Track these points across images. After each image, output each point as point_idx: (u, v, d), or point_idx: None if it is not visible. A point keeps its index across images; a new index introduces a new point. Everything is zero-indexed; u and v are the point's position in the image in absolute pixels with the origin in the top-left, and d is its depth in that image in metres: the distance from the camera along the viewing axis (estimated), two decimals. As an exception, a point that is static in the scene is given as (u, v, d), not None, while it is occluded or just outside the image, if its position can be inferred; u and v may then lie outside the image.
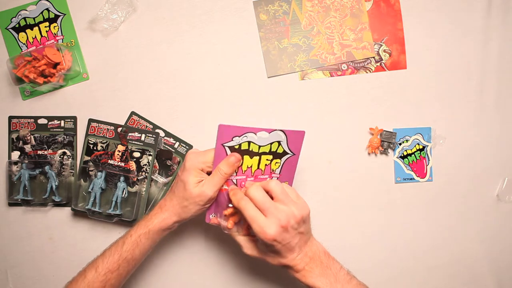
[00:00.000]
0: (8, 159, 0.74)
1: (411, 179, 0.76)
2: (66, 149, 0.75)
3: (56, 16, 0.75)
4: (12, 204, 0.75)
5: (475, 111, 0.77)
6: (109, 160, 0.73)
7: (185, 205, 0.60)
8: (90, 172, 0.73)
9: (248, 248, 0.60)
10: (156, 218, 0.62)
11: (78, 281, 0.59)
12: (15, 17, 0.75)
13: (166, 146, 0.75)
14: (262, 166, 0.61)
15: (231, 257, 0.75)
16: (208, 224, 0.64)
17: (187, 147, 0.75)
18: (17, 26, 0.75)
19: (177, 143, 0.75)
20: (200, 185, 0.59)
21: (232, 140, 0.58)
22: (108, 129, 0.74)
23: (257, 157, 0.61)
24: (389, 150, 0.76)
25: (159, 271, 0.75)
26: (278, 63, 0.75)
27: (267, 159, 0.61)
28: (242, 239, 0.61)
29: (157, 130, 0.74)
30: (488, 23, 0.76)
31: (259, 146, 0.59)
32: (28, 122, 0.74)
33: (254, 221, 0.54)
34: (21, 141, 0.74)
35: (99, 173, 0.72)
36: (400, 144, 0.76)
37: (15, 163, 0.74)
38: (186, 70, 0.75)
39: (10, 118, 0.75)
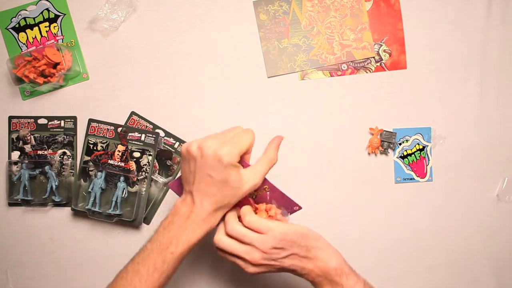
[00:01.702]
0: (8, 159, 0.74)
1: (411, 179, 0.76)
2: (66, 149, 0.75)
3: (56, 16, 0.75)
4: (12, 204, 0.75)
5: (475, 111, 0.77)
6: (109, 160, 0.73)
7: (233, 202, 0.56)
8: (90, 172, 0.73)
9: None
10: (200, 231, 0.56)
11: None
12: (15, 17, 0.75)
13: (166, 146, 0.75)
14: None
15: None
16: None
17: (187, 147, 0.75)
18: (17, 26, 0.75)
19: (177, 143, 0.75)
20: (249, 177, 0.55)
21: None
22: (108, 129, 0.74)
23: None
24: (389, 150, 0.76)
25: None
26: (278, 63, 0.75)
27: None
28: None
29: (157, 130, 0.74)
30: (488, 23, 0.76)
31: None
32: (28, 122, 0.74)
33: (234, 262, 0.56)
34: (21, 141, 0.75)
35: (99, 173, 0.72)
36: (400, 144, 0.76)
37: (15, 163, 0.74)
38: (186, 70, 0.75)
39: (10, 118, 0.75)
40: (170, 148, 0.75)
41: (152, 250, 0.56)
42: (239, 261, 0.55)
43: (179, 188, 0.61)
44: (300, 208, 0.61)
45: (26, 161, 0.73)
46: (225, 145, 0.54)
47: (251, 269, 0.55)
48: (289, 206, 0.61)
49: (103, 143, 0.74)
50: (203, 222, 0.55)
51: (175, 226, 0.56)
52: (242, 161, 0.56)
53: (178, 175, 0.64)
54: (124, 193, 0.72)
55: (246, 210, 0.57)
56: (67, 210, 0.75)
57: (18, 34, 0.75)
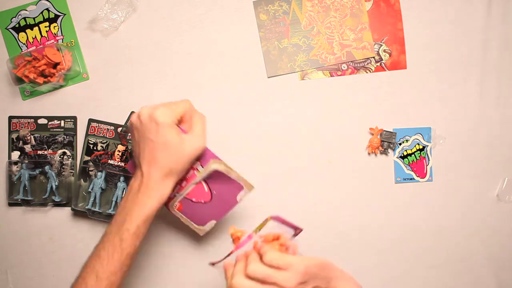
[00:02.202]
0: (8, 159, 0.74)
1: (411, 179, 0.76)
2: (66, 149, 0.75)
3: (56, 16, 0.75)
4: (12, 204, 0.75)
5: (475, 111, 0.77)
6: (109, 160, 0.73)
7: (180, 168, 0.57)
8: (90, 172, 0.73)
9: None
10: (152, 202, 0.56)
11: None
12: (15, 17, 0.75)
13: (166, 146, 0.75)
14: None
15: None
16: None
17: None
18: (17, 26, 0.75)
19: (177, 143, 0.75)
20: (190, 139, 0.57)
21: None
22: (108, 129, 0.74)
23: None
24: (389, 150, 0.76)
25: (153, 265, 0.75)
26: (278, 63, 0.75)
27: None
28: None
29: (157, 130, 0.74)
30: (488, 23, 0.76)
31: None
32: (28, 122, 0.74)
33: None
34: (21, 141, 0.75)
35: (99, 173, 0.72)
36: (400, 144, 0.76)
37: (15, 163, 0.74)
38: (186, 70, 0.75)
39: (10, 118, 0.75)
40: (170, 148, 0.75)
41: (110, 232, 0.56)
42: None
43: (133, 169, 0.62)
44: (301, 230, 0.59)
45: (26, 161, 0.73)
46: (159, 107, 0.57)
47: None
48: (292, 230, 0.59)
49: (103, 143, 0.74)
50: (153, 191, 0.56)
51: (128, 202, 0.57)
52: (180, 129, 0.59)
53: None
54: (124, 193, 0.72)
55: (267, 247, 0.53)
56: (67, 210, 0.75)
57: (18, 34, 0.75)
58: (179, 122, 0.59)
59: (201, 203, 0.63)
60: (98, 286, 0.54)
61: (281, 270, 0.50)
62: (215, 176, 0.61)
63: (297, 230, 0.59)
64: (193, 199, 0.63)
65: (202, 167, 0.61)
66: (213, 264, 0.56)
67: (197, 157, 0.58)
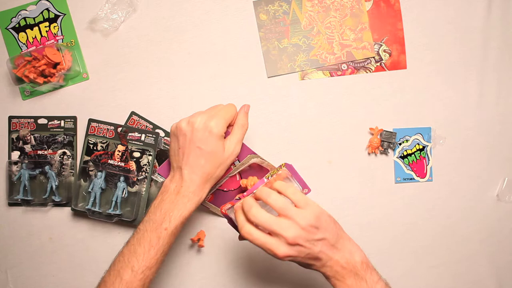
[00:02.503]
0: (8, 159, 0.74)
1: (411, 179, 0.76)
2: (66, 149, 0.75)
3: (56, 16, 0.75)
4: (12, 204, 0.75)
5: (475, 111, 0.77)
6: (109, 160, 0.73)
7: (218, 174, 0.60)
8: (90, 172, 0.73)
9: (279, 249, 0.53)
10: (191, 204, 0.59)
11: (114, 284, 0.55)
12: (15, 17, 0.75)
13: (166, 146, 0.75)
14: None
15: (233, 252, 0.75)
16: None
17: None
18: (17, 26, 0.75)
19: (177, 143, 0.75)
20: (229, 147, 0.60)
21: None
22: (108, 129, 0.74)
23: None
24: (389, 150, 0.76)
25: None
26: (278, 63, 0.75)
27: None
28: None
29: (157, 130, 0.74)
30: (488, 23, 0.76)
31: None
32: (28, 122, 0.74)
33: (263, 245, 0.51)
34: (21, 141, 0.75)
35: (99, 173, 0.72)
36: (400, 144, 0.76)
37: (15, 163, 0.74)
38: (186, 70, 0.75)
39: (10, 118, 0.75)
40: (170, 148, 0.75)
41: (146, 230, 0.58)
42: (271, 241, 0.51)
43: (166, 172, 0.64)
44: (310, 190, 0.63)
45: (26, 161, 0.73)
46: (213, 117, 0.59)
47: (282, 250, 0.50)
48: (300, 187, 0.61)
49: (103, 143, 0.74)
50: (193, 195, 0.59)
51: (166, 203, 0.59)
52: (226, 132, 0.62)
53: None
54: (124, 193, 0.72)
55: (283, 184, 0.55)
56: (67, 210, 0.75)
57: (18, 34, 0.75)
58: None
59: (231, 191, 0.67)
60: (133, 279, 0.55)
61: (298, 207, 0.52)
62: (249, 166, 0.67)
63: (304, 189, 0.61)
64: (225, 189, 0.67)
65: (239, 161, 0.65)
66: (224, 212, 0.59)
67: (233, 161, 0.62)
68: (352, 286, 0.54)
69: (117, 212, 0.72)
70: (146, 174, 0.73)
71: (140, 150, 0.73)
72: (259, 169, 0.69)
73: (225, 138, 0.61)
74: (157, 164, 0.74)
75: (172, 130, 0.62)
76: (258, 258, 0.75)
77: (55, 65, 0.71)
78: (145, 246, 0.57)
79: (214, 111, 0.61)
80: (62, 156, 0.74)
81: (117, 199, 0.72)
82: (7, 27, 0.75)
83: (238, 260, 0.75)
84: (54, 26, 0.75)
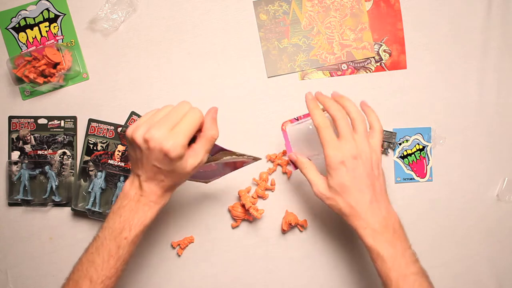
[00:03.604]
0: (8, 159, 0.74)
1: (411, 179, 0.76)
2: (66, 149, 0.75)
3: (56, 16, 0.75)
4: (12, 204, 0.75)
5: (475, 111, 0.77)
6: (109, 160, 0.73)
7: (180, 182, 0.57)
8: (90, 172, 0.73)
9: (319, 185, 0.60)
10: (152, 212, 0.55)
11: None
12: (15, 17, 0.75)
13: (166, 146, 0.75)
14: None
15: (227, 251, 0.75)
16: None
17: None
18: (17, 26, 0.75)
19: (177, 143, 0.75)
20: (192, 158, 0.53)
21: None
22: (108, 129, 0.74)
23: None
24: (389, 150, 0.76)
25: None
26: (278, 63, 0.75)
27: None
28: (314, 176, 0.61)
29: (157, 130, 0.74)
30: (488, 23, 0.76)
31: None
32: (28, 122, 0.74)
33: (328, 141, 0.57)
34: (21, 141, 0.75)
35: (99, 173, 0.72)
36: (400, 144, 0.76)
37: (15, 163, 0.74)
38: (186, 70, 0.75)
39: (10, 118, 0.75)
40: (170, 148, 0.75)
41: (105, 238, 0.55)
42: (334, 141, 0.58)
43: None
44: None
45: (26, 161, 0.73)
46: (172, 136, 0.50)
47: (345, 148, 0.57)
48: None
49: (103, 143, 0.74)
50: (154, 204, 0.56)
51: (125, 210, 0.55)
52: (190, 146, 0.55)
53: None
54: (124, 193, 0.72)
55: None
56: (67, 210, 0.75)
57: (18, 34, 0.75)
58: None
59: (207, 170, 0.65)
60: None
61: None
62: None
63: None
64: (200, 170, 0.61)
65: (211, 155, 0.59)
66: (283, 129, 0.66)
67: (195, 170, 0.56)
68: (389, 242, 0.56)
69: (117, 212, 0.71)
70: (146, 174, 0.73)
71: (140, 150, 0.73)
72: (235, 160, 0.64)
73: (189, 146, 0.54)
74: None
75: (128, 138, 0.54)
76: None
77: (55, 65, 0.71)
78: (104, 256, 0.54)
79: (173, 121, 0.52)
80: (62, 156, 0.74)
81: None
82: (7, 27, 0.75)
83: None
84: (54, 26, 0.75)
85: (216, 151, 0.59)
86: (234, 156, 0.61)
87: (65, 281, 0.57)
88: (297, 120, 0.67)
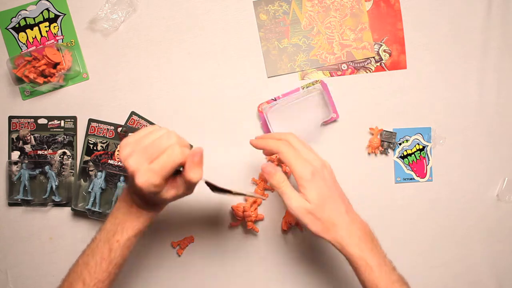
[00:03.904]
0: (8, 159, 0.74)
1: (411, 179, 0.76)
2: (66, 149, 0.75)
3: (56, 16, 0.75)
4: (12, 204, 0.75)
5: (475, 111, 0.77)
6: (109, 160, 0.73)
7: (165, 203, 0.55)
8: (90, 172, 0.73)
9: (297, 199, 0.55)
10: (144, 217, 0.55)
11: None
12: (15, 17, 0.75)
13: (166, 146, 0.75)
14: None
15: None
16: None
17: (187, 147, 0.75)
18: (17, 26, 0.75)
19: (177, 143, 0.75)
20: (174, 190, 0.52)
21: None
22: (108, 129, 0.74)
23: None
24: (389, 150, 0.76)
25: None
26: (278, 63, 0.75)
27: None
28: (291, 190, 0.56)
29: (157, 130, 0.74)
30: (488, 23, 0.76)
31: None
32: (28, 122, 0.74)
33: (293, 158, 0.56)
34: (21, 141, 0.75)
35: (99, 173, 0.72)
36: (400, 144, 0.76)
37: (15, 163, 0.74)
38: (186, 70, 0.75)
39: (10, 118, 0.75)
40: (170, 148, 0.75)
41: (100, 240, 0.55)
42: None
43: None
44: (337, 116, 0.72)
45: (26, 161, 0.73)
46: (146, 172, 0.48)
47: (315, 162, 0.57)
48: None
49: (103, 143, 0.74)
50: (146, 212, 0.55)
51: (120, 213, 0.55)
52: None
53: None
54: (124, 193, 0.72)
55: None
56: (67, 210, 0.75)
57: (18, 34, 0.75)
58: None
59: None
60: None
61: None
62: None
63: (333, 114, 0.72)
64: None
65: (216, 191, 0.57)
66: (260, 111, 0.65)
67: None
68: (370, 250, 0.55)
69: (117, 212, 0.71)
70: (146, 174, 0.73)
71: (140, 150, 0.73)
72: None
73: (174, 176, 0.52)
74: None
75: (123, 165, 0.51)
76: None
77: (55, 65, 0.71)
78: (97, 259, 0.54)
79: (153, 153, 0.49)
80: (62, 156, 0.74)
81: (117, 199, 0.72)
82: (7, 27, 0.75)
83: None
84: (54, 26, 0.75)
85: (221, 191, 0.56)
86: (242, 195, 0.59)
87: (61, 282, 0.57)
88: (275, 100, 0.70)
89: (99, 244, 0.55)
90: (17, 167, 0.74)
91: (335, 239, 0.55)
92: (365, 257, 0.54)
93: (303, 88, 0.65)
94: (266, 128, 0.69)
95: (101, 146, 0.74)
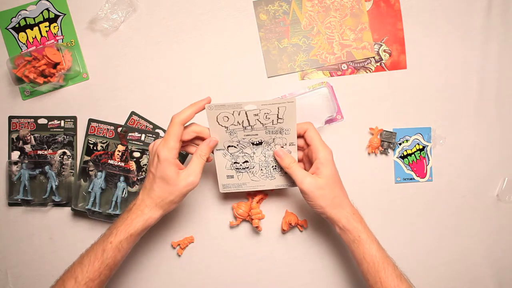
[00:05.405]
0: (8, 159, 0.74)
1: (411, 179, 0.76)
2: (66, 149, 0.75)
3: (56, 16, 0.75)
4: (12, 204, 0.75)
5: (475, 111, 0.77)
6: (109, 160, 0.73)
7: (171, 199, 0.59)
8: (90, 172, 0.73)
9: (306, 178, 0.61)
10: (137, 222, 0.59)
11: None
12: (15, 17, 0.75)
13: (166, 146, 0.75)
14: None
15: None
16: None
17: (187, 147, 0.75)
18: (17, 26, 0.75)
19: (177, 143, 0.75)
20: (185, 175, 0.59)
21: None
22: (108, 129, 0.74)
23: None
24: (389, 150, 0.76)
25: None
26: (278, 63, 0.75)
27: None
28: (299, 170, 0.63)
29: (157, 130, 0.74)
30: (488, 23, 0.76)
31: None
32: (28, 122, 0.74)
33: (320, 142, 0.63)
34: (21, 141, 0.75)
35: (99, 173, 0.72)
36: (400, 144, 0.76)
37: (15, 163, 0.74)
38: (186, 70, 0.75)
39: (10, 118, 0.75)
40: (170, 148, 0.75)
41: (96, 242, 0.60)
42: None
43: None
44: (342, 118, 0.74)
45: (26, 161, 0.73)
46: (161, 141, 0.59)
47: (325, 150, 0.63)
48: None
49: (103, 143, 0.74)
50: (141, 213, 0.59)
51: (120, 218, 0.61)
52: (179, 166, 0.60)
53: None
54: (124, 193, 0.72)
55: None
56: (67, 210, 0.75)
57: (18, 34, 0.75)
58: (183, 147, 0.63)
59: None
60: None
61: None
62: None
63: (338, 115, 0.73)
64: None
65: None
66: None
67: (189, 191, 0.60)
68: (371, 240, 0.63)
69: (117, 212, 0.72)
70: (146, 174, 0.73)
71: (140, 150, 0.73)
72: None
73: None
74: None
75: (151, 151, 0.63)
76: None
77: (55, 65, 0.71)
78: (91, 258, 0.58)
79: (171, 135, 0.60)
80: (62, 156, 0.74)
81: (117, 199, 0.72)
82: (7, 27, 0.75)
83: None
84: (54, 26, 0.75)
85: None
86: None
87: (55, 281, 0.60)
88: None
89: (94, 246, 0.59)
90: (17, 167, 0.74)
91: (338, 217, 0.62)
92: (370, 231, 0.63)
93: (309, 89, 0.65)
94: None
95: (101, 146, 0.74)
